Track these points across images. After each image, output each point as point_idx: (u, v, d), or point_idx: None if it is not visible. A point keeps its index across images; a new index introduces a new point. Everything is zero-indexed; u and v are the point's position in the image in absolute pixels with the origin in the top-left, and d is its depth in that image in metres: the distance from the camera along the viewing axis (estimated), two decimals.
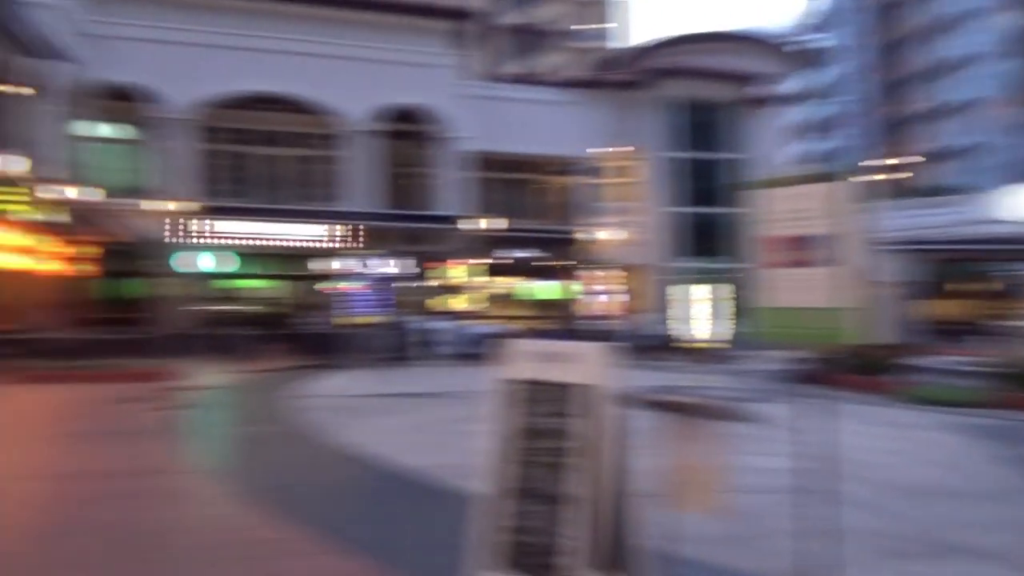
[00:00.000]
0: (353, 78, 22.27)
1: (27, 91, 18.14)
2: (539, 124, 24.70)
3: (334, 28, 22.48)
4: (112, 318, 21.84)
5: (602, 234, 25.02)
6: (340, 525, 4.68)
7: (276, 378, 14.40)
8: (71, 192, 17.71)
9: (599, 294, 25.46)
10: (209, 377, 13.95)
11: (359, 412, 9.75)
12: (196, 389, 11.97)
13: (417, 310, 23.89)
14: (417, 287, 26.97)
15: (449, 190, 22.72)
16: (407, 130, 24.03)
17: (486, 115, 23.35)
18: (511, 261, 24.44)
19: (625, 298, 25.40)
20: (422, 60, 23.03)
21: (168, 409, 9.68)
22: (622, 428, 2.83)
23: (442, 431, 8.30)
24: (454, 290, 22.90)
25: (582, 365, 2.89)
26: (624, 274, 25.33)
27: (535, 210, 26.40)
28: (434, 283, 23.73)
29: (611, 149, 25.67)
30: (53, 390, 11.76)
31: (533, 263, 24.84)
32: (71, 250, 19.62)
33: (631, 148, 25.79)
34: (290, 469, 6.34)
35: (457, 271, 23.01)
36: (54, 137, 18.91)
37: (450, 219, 22.49)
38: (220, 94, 21.48)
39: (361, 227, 22.20)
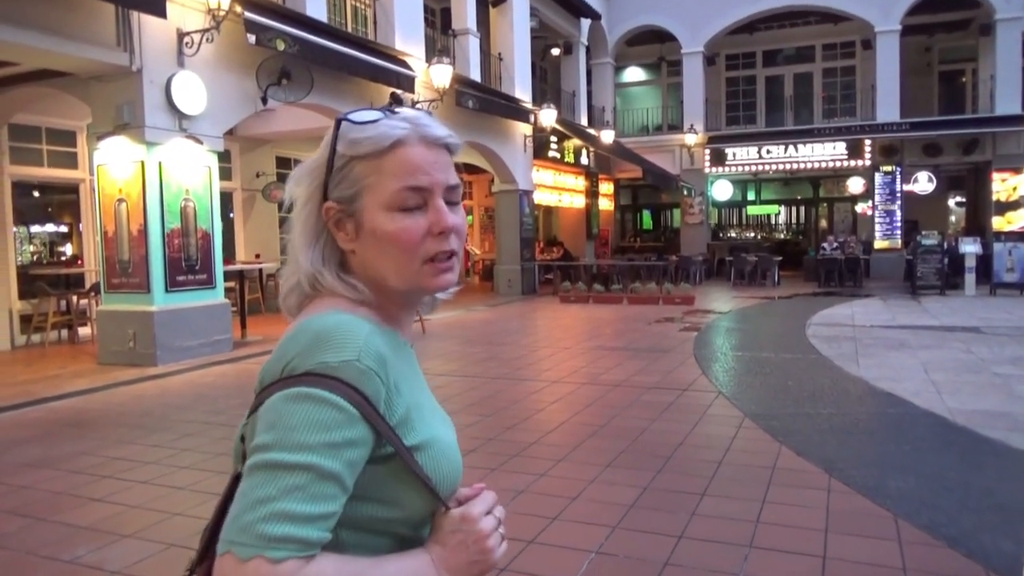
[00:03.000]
0: None
1: (559, 48, 20.65)
2: None
3: None
4: (635, 247, 24.04)
5: None
6: (866, 470, 4.24)
7: (790, 305, 14.03)
8: (603, 135, 19.72)
9: None
10: (725, 302, 14.31)
11: (885, 344, 8.86)
12: (713, 313, 12.39)
13: (956, 231, 20.68)
14: (954, 204, 23.33)
15: (1000, 85, 18.73)
16: (940, 22, 20.58)
17: None
18: None
19: None
20: None
21: (690, 330, 10.21)
22: None
23: (984, 374, 6.99)
24: (1006, 206, 19.06)
25: None
26: None
27: None
28: (983, 197, 20.13)
29: None
30: (590, 309, 13.45)
31: None
32: (601, 187, 22.07)
33: None
34: (807, 399, 6.04)
35: (1011, 182, 19.05)
36: (582, 87, 21.13)
37: (1001, 120, 18.61)
38: (731, 21, 21.26)
39: (887, 141, 19.90)
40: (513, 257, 16.82)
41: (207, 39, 8.29)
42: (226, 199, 13.34)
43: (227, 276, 11.35)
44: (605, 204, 23.20)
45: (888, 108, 19.55)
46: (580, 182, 20.88)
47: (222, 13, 8.25)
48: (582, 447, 4.70)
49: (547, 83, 22.45)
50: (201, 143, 8.48)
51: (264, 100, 9.40)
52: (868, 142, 20.07)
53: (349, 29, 12.70)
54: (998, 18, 18.58)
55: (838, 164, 20.76)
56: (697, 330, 10.27)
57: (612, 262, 18.83)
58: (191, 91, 8.29)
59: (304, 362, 0.79)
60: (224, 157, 13.26)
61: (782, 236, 25.15)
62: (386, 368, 0.82)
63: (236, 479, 0.83)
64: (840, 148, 20.49)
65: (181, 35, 8.27)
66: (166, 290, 8.15)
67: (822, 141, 20.66)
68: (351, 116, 0.89)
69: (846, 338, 9.35)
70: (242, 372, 7.80)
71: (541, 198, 18.65)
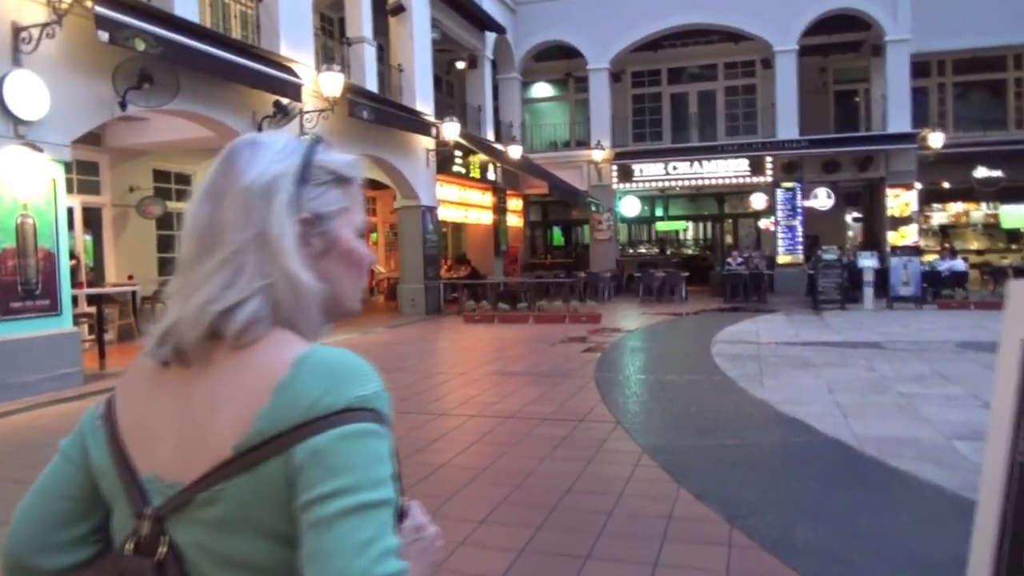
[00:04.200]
0: None
1: (463, 61, 20.19)
2: (991, 7, 19.40)
3: None
4: (546, 263, 23.71)
5: None
6: (771, 517, 3.77)
7: (696, 321, 13.85)
8: (510, 150, 19.30)
9: None
10: (632, 319, 14.01)
11: (789, 362, 8.61)
12: (620, 331, 12.02)
13: (853, 246, 21.21)
14: (851, 220, 24.01)
15: (892, 104, 19.33)
16: (835, 43, 21.20)
17: (924, 6, 19.24)
18: (973, 184, 20.03)
19: None
20: None
21: (594, 351, 9.75)
22: None
23: (889, 393, 6.76)
24: (899, 221, 19.64)
25: None
26: None
27: (996, 120, 21.25)
28: (878, 213, 20.72)
29: None
30: (495, 330, 12.88)
31: (1003, 185, 20.00)
32: (509, 203, 21.63)
33: None
34: (710, 428, 5.60)
35: (903, 198, 19.65)
36: (488, 101, 20.70)
37: (893, 138, 19.19)
38: (636, 38, 21.26)
39: (787, 158, 20.23)
40: (416, 275, 16.10)
41: (47, 34, 7.31)
42: (94, 215, 12.17)
43: (91, 301, 10.28)
44: (514, 220, 22.78)
45: (788, 126, 19.90)
46: (487, 198, 20.38)
47: (65, 5, 7.30)
48: (456, 498, 4.07)
49: (453, 97, 21.93)
50: (41, 151, 7.46)
51: (123, 105, 8.44)
52: (769, 159, 20.36)
53: (236, 35, 11.81)
54: (888, 39, 19.19)
55: (742, 180, 20.98)
56: (601, 351, 9.83)
57: (519, 279, 18.38)
58: (29, 93, 7.28)
59: (339, 398, 0.77)
60: (90, 169, 12.15)
61: (690, 252, 25.36)
62: None
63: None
64: (743, 164, 20.72)
65: (17, 29, 7.25)
66: None
67: (726, 157, 20.85)
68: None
69: (751, 356, 9.08)
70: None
71: (446, 214, 18.02)
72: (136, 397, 0.87)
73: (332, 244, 0.89)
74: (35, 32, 7.27)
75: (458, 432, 5.55)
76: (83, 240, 11.88)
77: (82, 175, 11.98)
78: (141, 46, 8.02)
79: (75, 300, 8.85)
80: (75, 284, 9.25)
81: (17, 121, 7.26)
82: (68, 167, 8.11)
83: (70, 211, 11.69)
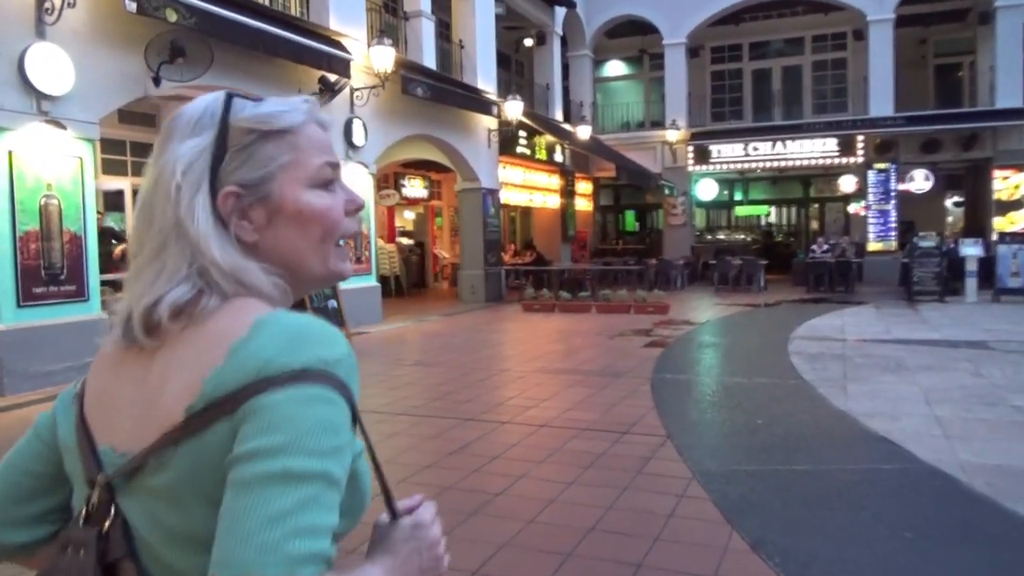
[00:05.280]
0: None
1: (531, 38, 19.36)
2: None
3: None
4: (616, 249, 22.74)
5: None
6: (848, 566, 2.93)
7: (774, 314, 12.74)
8: (578, 130, 18.43)
9: None
10: (703, 311, 13.00)
11: (878, 364, 7.55)
12: (688, 324, 11.07)
13: (953, 232, 19.44)
14: (951, 204, 22.07)
15: (1001, 77, 17.44)
16: (937, 11, 19.36)
17: None
18: None
19: None
20: None
21: (656, 346, 8.89)
22: None
23: (1001, 407, 5.69)
24: (1007, 206, 17.78)
25: None
26: None
27: None
28: (982, 196, 18.89)
29: None
30: (553, 320, 12.11)
31: None
32: (578, 186, 20.73)
33: None
34: (778, 447, 4.72)
35: (1012, 180, 17.77)
36: (557, 79, 19.82)
37: (1001, 114, 17.33)
38: (715, 11, 19.95)
39: (880, 137, 18.62)
40: (477, 261, 15.47)
41: (68, 4, 6.93)
42: (114, 197, 11.88)
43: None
44: (583, 204, 21.87)
45: (882, 102, 18.28)
46: (554, 181, 19.53)
47: None
48: (451, 537, 3.36)
49: (523, 77, 21.15)
50: (65, 128, 7.11)
51: (157, 81, 8.05)
52: (861, 138, 18.79)
53: (281, 7, 11.36)
54: (998, 5, 17.30)
55: (829, 161, 19.47)
56: (664, 346, 8.95)
57: (584, 266, 17.52)
58: (53, 67, 6.93)
59: (295, 358, 0.70)
60: (145, 151, 11.95)
61: (772, 238, 23.89)
62: None
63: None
64: (831, 144, 19.21)
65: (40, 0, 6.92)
66: (17, 304, 6.76)
67: (812, 137, 19.38)
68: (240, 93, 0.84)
69: (833, 356, 8.04)
70: None
71: (509, 197, 17.30)
72: (103, 376, 0.83)
73: (277, 209, 0.81)
74: (57, 2, 6.90)
75: (479, 444, 4.84)
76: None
77: (136, 156, 11.83)
78: (173, 17, 7.57)
79: (118, 285, 8.59)
80: (124, 270, 9.01)
81: (41, 96, 6.91)
82: (114, 146, 7.73)
83: (121, 194, 11.57)
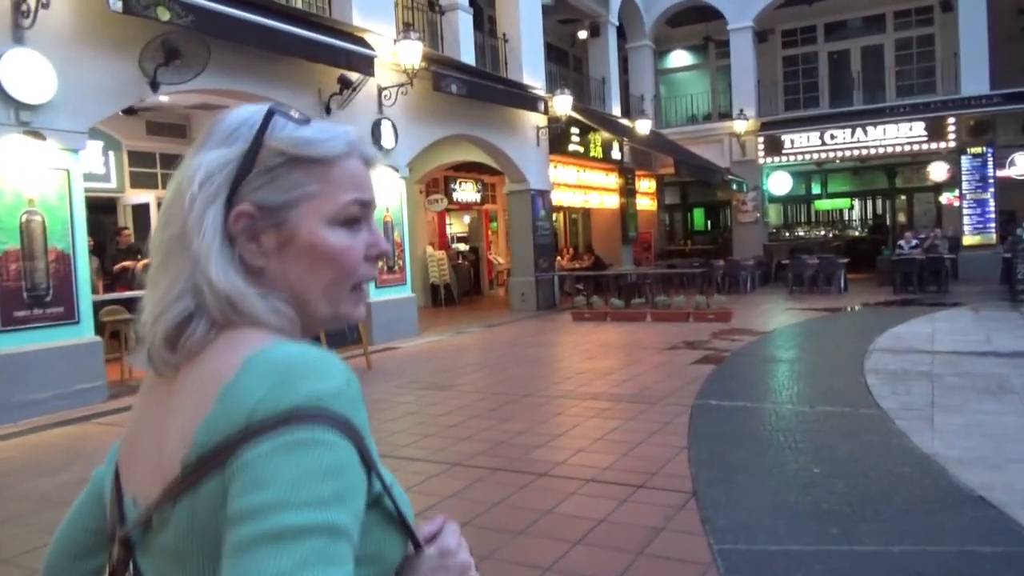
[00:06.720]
0: None
1: (585, 30, 18.35)
2: None
3: None
4: (684, 250, 21.44)
5: None
6: None
7: (853, 319, 11.36)
8: (637, 125, 17.33)
9: None
10: (771, 317, 11.74)
11: (975, 384, 6.28)
12: (751, 334, 9.89)
13: None
14: None
15: None
16: None
17: None
18: None
19: None
20: None
21: (709, 362, 7.81)
22: None
23: None
24: None
25: None
26: None
27: None
28: None
29: None
30: (602, 330, 11.09)
31: None
32: (639, 184, 19.56)
33: None
34: (836, 511, 3.66)
35: None
36: (613, 72, 18.74)
37: None
38: None
39: (975, 118, 16.78)
40: (527, 267, 14.59)
41: (43, 4, 6.41)
42: (141, 211, 11.47)
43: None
44: (645, 203, 20.68)
45: (975, 79, 16.48)
46: (612, 179, 18.44)
47: None
48: None
49: (581, 73, 20.14)
50: (44, 139, 6.60)
51: (154, 86, 7.50)
52: (952, 120, 16.99)
53: (298, 3, 10.78)
54: None
55: (917, 148, 17.69)
56: (718, 361, 7.85)
57: (643, 270, 16.37)
58: (32, 73, 6.44)
59: (284, 398, 0.64)
60: (173, 163, 11.59)
61: (855, 233, 22.08)
62: None
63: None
64: (918, 129, 17.46)
65: (16, 2, 6.44)
66: None
67: (897, 122, 17.68)
68: (285, 111, 0.78)
69: (920, 374, 6.78)
70: (109, 430, 5.91)
71: (562, 198, 16.35)
72: (137, 408, 0.80)
73: (289, 239, 0.76)
74: (32, 3, 6.39)
75: (456, 500, 3.93)
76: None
77: (165, 168, 11.49)
78: (165, 15, 7.00)
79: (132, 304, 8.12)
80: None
81: (19, 106, 6.42)
82: (143, 159, 7.23)
83: (147, 208, 11.22)
